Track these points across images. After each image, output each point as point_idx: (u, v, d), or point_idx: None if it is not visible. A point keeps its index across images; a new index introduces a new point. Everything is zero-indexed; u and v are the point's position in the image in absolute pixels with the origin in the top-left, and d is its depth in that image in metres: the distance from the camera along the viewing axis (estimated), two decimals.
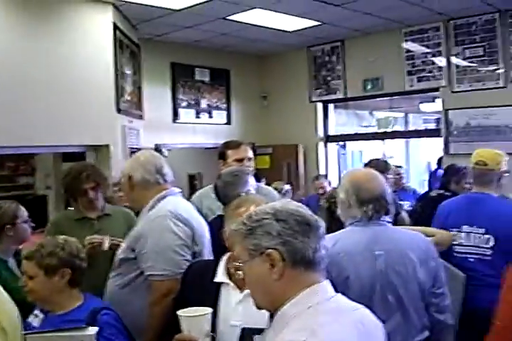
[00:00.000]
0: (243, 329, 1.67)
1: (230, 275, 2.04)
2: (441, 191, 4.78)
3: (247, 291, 1.89)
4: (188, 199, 3.40)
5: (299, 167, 8.13)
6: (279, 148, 8.16)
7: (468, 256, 3.20)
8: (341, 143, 8.78)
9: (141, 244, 2.52)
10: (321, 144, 8.22)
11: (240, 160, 3.61)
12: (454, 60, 6.74)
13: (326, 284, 1.47)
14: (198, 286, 2.09)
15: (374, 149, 9.55)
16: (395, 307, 2.26)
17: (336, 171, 8.36)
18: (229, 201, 2.31)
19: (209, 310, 1.76)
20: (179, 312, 1.75)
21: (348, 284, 2.22)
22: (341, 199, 2.43)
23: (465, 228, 3.21)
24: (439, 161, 7.42)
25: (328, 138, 8.27)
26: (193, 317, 1.72)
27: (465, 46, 6.64)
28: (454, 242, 3.24)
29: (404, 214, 3.98)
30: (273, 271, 1.40)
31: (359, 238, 2.33)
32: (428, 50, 6.94)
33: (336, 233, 2.39)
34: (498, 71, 6.42)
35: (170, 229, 2.50)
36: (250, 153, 3.72)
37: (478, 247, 3.15)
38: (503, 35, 6.35)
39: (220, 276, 2.05)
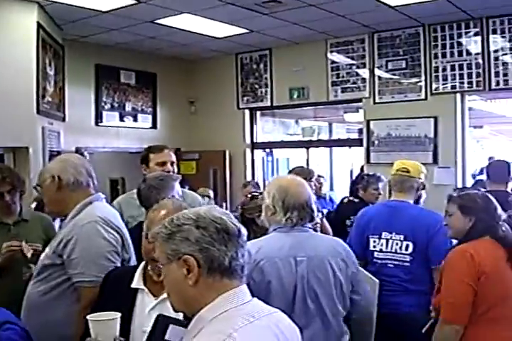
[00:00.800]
0: (158, 316, 1.65)
1: (145, 282, 2.04)
2: (351, 198, 5.11)
3: (161, 298, 1.92)
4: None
5: (226, 173, 8.13)
6: (206, 154, 8.12)
7: (388, 262, 3.28)
8: (268, 150, 8.87)
9: (69, 250, 2.42)
10: (248, 151, 8.26)
11: (162, 164, 3.59)
12: (377, 71, 6.94)
13: (243, 289, 1.48)
14: (115, 292, 2.06)
15: (299, 157, 9.67)
16: (315, 313, 2.30)
17: (262, 178, 8.41)
18: (151, 205, 2.28)
19: (117, 314, 1.75)
20: (88, 317, 1.75)
21: (271, 289, 2.24)
22: (267, 205, 2.43)
23: (385, 235, 3.29)
24: (362, 170, 7.62)
25: (255, 145, 8.32)
26: (99, 321, 1.72)
27: (388, 59, 6.85)
28: (374, 249, 3.31)
29: (325, 222, 4.07)
30: (188, 277, 1.41)
31: (282, 244, 2.34)
32: (352, 62, 7.12)
33: (260, 239, 2.41)
34: (419, 83, 6.66)
35: (101, 235, 2.43)
36: (173, 158, 3.69)
37: (397, 253, 3.24)
38: (426, 48, 6.60)
39: (136, 282, 2.04)
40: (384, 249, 3.29)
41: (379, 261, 3.32)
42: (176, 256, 1.42)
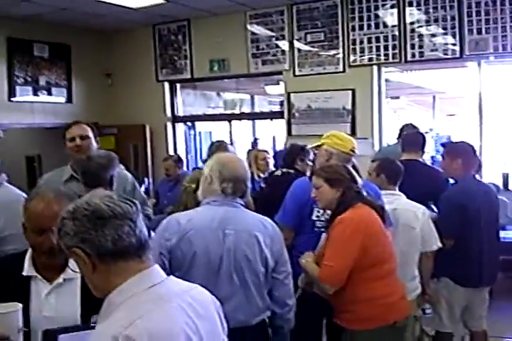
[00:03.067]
0: (44, 332, 1.65)
1: (37, 268, 2.01)
2: (285, 170, 4.89)
3: (56, 282, 1.95)
4: (30, 184, 3.21)
5: (147, 148, 7.98)
6: (125, 128, 7.91)
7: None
8: (189, 123, 8.76)
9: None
10: (169, 124, 8.13)
11: (71, 140, 3.52)
12: (296, 44, 6.94)
13: (153, 270, 1.49)
14: (6, 281, 2.00)
15: (222, 130, 9.63)
16: (239, 286, 2.36)
17: (184, 152, 8.32)
18: (99, 185, 2.37)
19: (19, 305, 1.73)
20: None
21: (197, 260, 2.29)
22: (205, 175, 2.52)
23: None
24: (254, 142, 7.70)
25: (176, 119, 8.20)
26: (1, 314, 1.68)
27: (307, 31, 6.86)
28: (318, 218, 3.30)
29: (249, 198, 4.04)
30: (86, 266, 1.44)
31: (212, 216, 2.41)
32: (272, 34, 7.09)
33: (191, 210, 2.50)
34: (337, 56, 6.72)
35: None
36: (84, 131, 3.58)
37: None
38: (344, 21, 6.65)
39: (27, 269, 2.01)
40: (322, 218, 3.28)
41: (318, 230, 3.30)
42: (69, 250, 1.46)
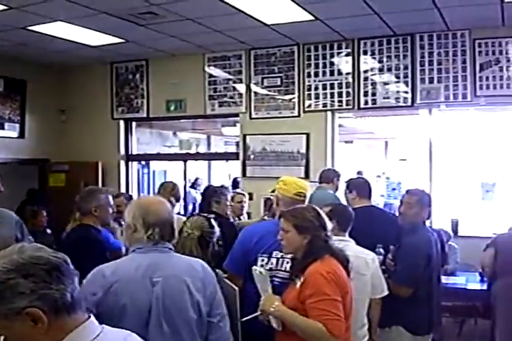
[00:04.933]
0: None
1: None
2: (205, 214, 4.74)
3: None
4: None
5: (98, 185, 7.84)
6: (77, 165, 7.77)
7: (275, 279, 3.23)
8: (143, 162, 8.70)
9: None
10: (123, 163, 8.05)
11: None
12: (253, 87, 7.06)
13: (92, 321, 1.44)
14: None
15: (177, 169, 9.59)
16: (170, 335, 2.25)
17: (137, 191, 8.23)
18: None
19: None
20: None
21: (125, 312, 2.19)
22: (128, 224, 2.41)
23: (275, 253, 3.25)
24: (233, 183, 7.69)
25: (130, 157, 8.13)
26: None
27: (264, 75, 6.99)
28: (263, 267, 3.25)
29: None
30: (38, 327, 1.32)
31: (138, 264, 2.30)
32: (230, 77, 7.19)
33: (117, 261, 2.38)
34: (293, 101, 6.85)
35: None
36: None
37: (286, 271, 3.19)
38: (300, 67, 6.81)
39: None
40: (274, 268, 3.25)
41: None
42: (16, 313, 1.31)
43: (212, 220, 3.17)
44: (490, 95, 6.07)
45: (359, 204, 4.42)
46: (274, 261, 3.20)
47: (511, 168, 9.54)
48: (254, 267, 2.87)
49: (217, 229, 3.13)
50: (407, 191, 4.11)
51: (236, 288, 3.06)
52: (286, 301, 2.63)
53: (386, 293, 3.57)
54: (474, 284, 5.39)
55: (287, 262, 3.18)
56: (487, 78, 6.06)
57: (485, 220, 8.43)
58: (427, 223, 4.11)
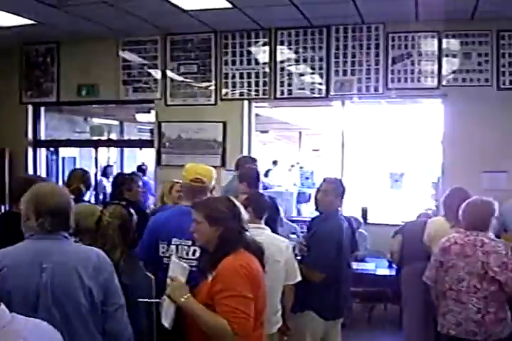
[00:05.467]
0: None
1: None
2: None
3: None
4: None
5: (5, 173, 7.48)
6: None
7: None
8: (52, 148, 8.39)
9: None
10: (30, 149, 7.71)
11: None
12: (169, 74, 6.94)
13: (1, 309, 1.48)
14: None
15: (88, 156, 9.32)
16: (60, 322, 2.21)
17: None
18: None
19: None
20: None
21: (12, 297, 2.16)
22: (21, 211, 2.38)
23: (175, 240, 3.26)
24: (138, 170, 7.57)
25: (38, 143, 7.79)
26: None
27: (180, 62, 6.89)
28: (163, 255, 3.25)
29: None
30: None
31: (27, 251, 2.30)
32: (145, 62, 7.03)
33: (10, 247, 2.34)
34: (210, 88, 6.80)
35: None
36: None
37: (186, 259, 3.21)
38: (217, 54, 6.76)
39: None
40: (170, 254, 3.25)
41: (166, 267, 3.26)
42: None
43: (131, 208, 3.13)
44: (401, 88, 6.28)
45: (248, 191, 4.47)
46: (173, 247, 3.21)
47: (419, 158, 9.96)
48: (173, 259, 2.80)
49: (135, 217, 3.10)
50: (325, 179, 4.19)
51: (152, 277, 3.04)
52: (198, 296, 2.54)
53: (299, 279, 3.64)
54: (383, 270, 5.60)
55: (184, 249, 3.20)
56: (399, 71, 6.27)
57: (393, 208, 8.78)
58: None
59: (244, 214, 2.71)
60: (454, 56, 6.15)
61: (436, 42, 6.17)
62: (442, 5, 5.46)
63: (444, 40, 6.15)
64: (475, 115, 5.99)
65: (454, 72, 6.15)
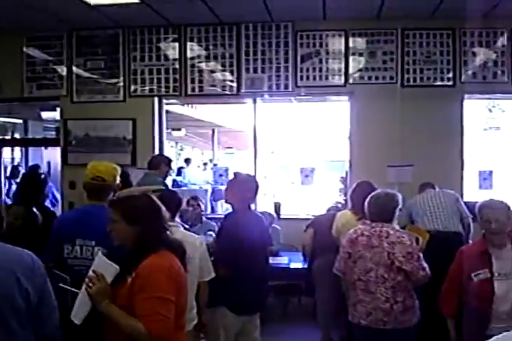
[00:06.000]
0: None
1: None
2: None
3: None
4: None
5: None
6: None
7: (83, 268, 3.14)
8: None
9: None
10: None
11: None
12: (75, 70, 6.73)
13: None
14: None
15: None
16: None
17: None
18: None
19: None
20: None
21: None
22: None
23: (78, 241, 3.18)
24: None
25: None
26: None
27: (87, 58, 6.71)
28: (68, 256, 3.16)
29: None
30: None
31: None
32: (50, 58, 6.78)
33: None
34: (118, 85, 6.66)
35: None
36: None
37: (91, 260, 3.13)
38: (125, 50, 6.63)
39: None
40: (79, 256, 3.17)
41: (75, 268, 3.16)
42: None
43: (34, 209, 3.04)
44: (309, 86, 6.42)
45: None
46: (77, 248, 3.14)
47: (328, 154, 10.22)
48: (100, 254, 2.68)
49: (40, 218, 3.00)
50: (234, 174, 4.20)
51: (67, 277, 2.96)
52: (117, 299, 2.43)
53: (213, 275, 3.64)
54: (297, 263, 5.69)
55: (88, 250, 3.14)
56: (307, 69, 6.40)
57: (305, 203, 8.94)
58: (252, 206, 4.25)
59: (165, 213, 2.61)
60: (361, 54, 6.36)
61: (343, 40, 6.35)
62: (349, 4, 5.63)
63: (351, 39, 6.35)
64: (380, 112, 6.22)
65: (360, 70, 6.36)
